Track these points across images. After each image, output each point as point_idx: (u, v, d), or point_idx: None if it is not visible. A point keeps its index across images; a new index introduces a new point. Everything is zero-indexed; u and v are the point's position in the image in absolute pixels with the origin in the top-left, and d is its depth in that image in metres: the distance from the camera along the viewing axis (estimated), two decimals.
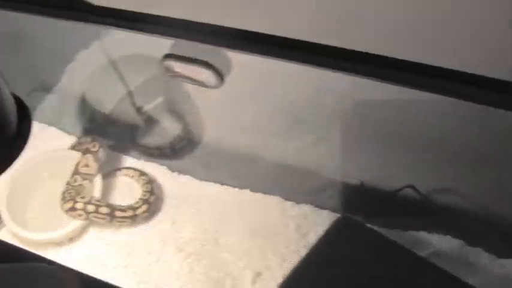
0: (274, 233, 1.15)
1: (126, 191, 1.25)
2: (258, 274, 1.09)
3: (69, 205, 1.14)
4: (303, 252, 1.13)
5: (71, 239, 1.17)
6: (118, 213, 1.15)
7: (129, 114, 1.25)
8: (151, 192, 1.20)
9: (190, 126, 1.25)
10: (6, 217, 1.16)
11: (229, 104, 1.21)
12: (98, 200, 1.16)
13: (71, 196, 1.15)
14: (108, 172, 1.26)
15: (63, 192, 1.17)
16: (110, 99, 1.27)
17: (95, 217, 1.14)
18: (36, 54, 1.26)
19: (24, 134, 0.77)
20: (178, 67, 1.03)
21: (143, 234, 1.17)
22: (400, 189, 1.08)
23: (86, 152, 1.22)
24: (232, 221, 1.17)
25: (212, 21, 0.92)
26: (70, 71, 1.31)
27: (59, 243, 1.16)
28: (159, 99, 1.23)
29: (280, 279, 1.03)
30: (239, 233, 1.15)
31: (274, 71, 1.01)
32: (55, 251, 1.16)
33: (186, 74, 1.03)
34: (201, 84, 1.03)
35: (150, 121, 1.25)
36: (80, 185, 1.18)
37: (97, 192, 1.18)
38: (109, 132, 1.29)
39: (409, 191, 1.07)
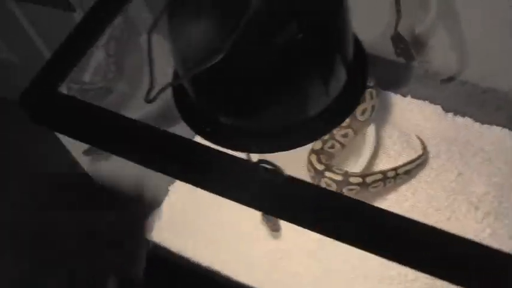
0: None
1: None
2: None
3: (319, 167, 0.95)
4: None
5: None
6: (368, 179, 0.95)
7: (386, 45, 1.03)
8: (416, 160, 0.99)
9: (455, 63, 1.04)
10: None
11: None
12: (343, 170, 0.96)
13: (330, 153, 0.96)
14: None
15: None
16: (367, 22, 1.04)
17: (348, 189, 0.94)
18: None
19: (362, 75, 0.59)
20: None
21: (425, 183, 0.99)
22: None
23: None
24: None
25: None
26: None
27: None
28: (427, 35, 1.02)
29: None
30: None
31: None
32: None
33: None
34: None
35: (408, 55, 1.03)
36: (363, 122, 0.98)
37: (369, 146, 0.99)
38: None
39: None
